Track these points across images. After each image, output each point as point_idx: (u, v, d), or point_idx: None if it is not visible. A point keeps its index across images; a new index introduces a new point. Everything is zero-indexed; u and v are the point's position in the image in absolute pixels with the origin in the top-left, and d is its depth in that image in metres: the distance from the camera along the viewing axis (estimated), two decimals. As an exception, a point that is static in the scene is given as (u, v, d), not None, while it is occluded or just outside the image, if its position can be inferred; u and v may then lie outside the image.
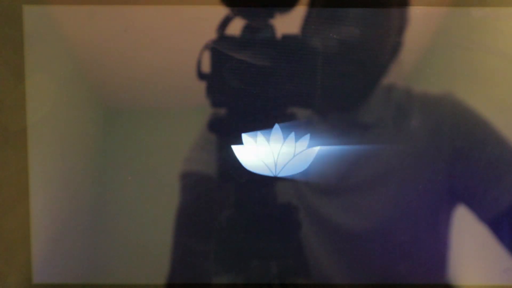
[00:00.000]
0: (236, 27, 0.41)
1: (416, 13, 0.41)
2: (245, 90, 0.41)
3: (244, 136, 0.42)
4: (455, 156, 0.42)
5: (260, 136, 0.42)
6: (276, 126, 0.41)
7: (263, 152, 0.42)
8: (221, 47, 0.41)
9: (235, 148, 0.42)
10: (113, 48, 0.42)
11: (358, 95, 0.44)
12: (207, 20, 0.41)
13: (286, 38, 0.41)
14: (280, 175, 0.42)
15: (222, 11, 0.41)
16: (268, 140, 0.42)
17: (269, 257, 0.43)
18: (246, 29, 0.41)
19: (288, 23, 0.41)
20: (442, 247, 0.44)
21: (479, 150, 0.42)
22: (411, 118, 0.42)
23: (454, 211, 0.44)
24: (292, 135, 0.42)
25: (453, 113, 0.42)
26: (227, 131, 0.42)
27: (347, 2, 0.41)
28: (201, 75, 0.41)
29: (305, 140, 0.42)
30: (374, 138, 0.43)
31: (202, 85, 0.41)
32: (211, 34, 0.41)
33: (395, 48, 0.42)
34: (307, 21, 0.41)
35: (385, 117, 0.43)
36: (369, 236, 0.43)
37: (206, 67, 0.41)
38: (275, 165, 0.42)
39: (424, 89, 0.42)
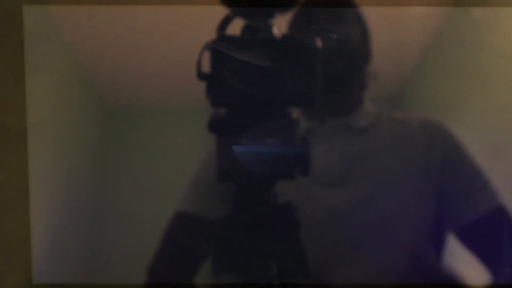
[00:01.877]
0: (236, 27, 0.41)
1: (416, 13, 0.41)
2: (245, 90, 0.41)
3: (244, 136, 0.42)
4: (434, 173, 0.43)
5: (260, 136, 0.41)
6: (276, 126, 0.41)
7: (263, 152, 0.42)
8: (221, 47, 0.41)
9: (235, 148, 0.42)
10: (113, 48, 0.42)
11: (358, 94, 0.44)
12: (207, 20, 0.41)
13: (286, 38, 0.41)
14: (280, 175, 0.42)
15: (222, 11, 0.41)
16: (268, 140, 0.41)
17: (269, 257, 0.43)
18: (246, 29, 0.41)
19: (288, 23, 0.41)
20: (442, 247, 0.44)
21: (454, 177, 0.44)
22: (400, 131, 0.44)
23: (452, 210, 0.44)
24: (292, 135, 0.41)
25: (438, 140, 0.43)
26: (227, 131, 0.42)
27: (347, 1, 0.41)
28: (201, 75, 0.41)
29: (305, 140, 0.42)
30: (371, 138, 0.43)
31: (202, 85, 0.41)
32: (211, 34, 0.41)
33: (395, 48, 0.42)
34: (307, 21, 0.41)
35: (378, 122, 0.43)
36: (369, 236, 0.43)
37: (206, 67, 0.41)
38: (275, 165, 0.42)
39: (417, 114, 0.44)
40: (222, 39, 0.41)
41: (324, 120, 0.43)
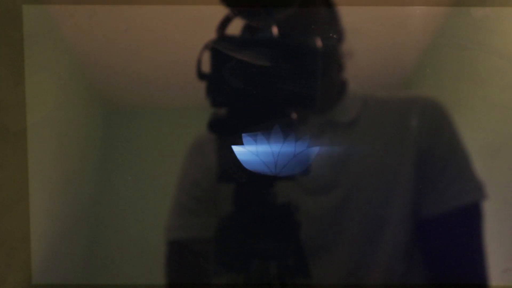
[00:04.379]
0: (236, 27, 0.41)
1: (416, 13, 0.41)
2: (245, 90, 0.41)
3: (244, 136, 0.42)
4: (421, 156, 0.43)
5: (260, 136, 0.41)
6: (276, 126, 0.41)
7: (263, 152, 0.42)
8: (221, 47, 0.41)
9: (235, 148, 0.42)
10: (113, 48, 0.42)
11: (358, 94, 0.44)
12: (207, 20, 0.41)
13: (286, 38, 0.41)
14: (280, 175, 0.42)
15: (222, 11, 0.41)
16: (268, 140, 0.41)
17: (269, 257, 0.43)
18: (246, 29, 0.41)
19: (288, 23, 0.41)
20: (442, 246, 0.44)
21: (441, 157, 0.43)
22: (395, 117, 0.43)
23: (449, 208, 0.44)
24: (292, 135, 0.42)
25: (430, 117, 0.43)
26: (227, 131, 0.42)
27: (346, 1, 0.41)
28: (201, 75, 0.41)
29: (305, 140, 0.42)
30: (359, 133, 0.43)
31: (202, 85, 0.41)
32: (211, 34, 0.41)
33: (395, 48, 0.42)
34: (307, 21, 0.41)
35: (364, 112, 0.43)
36: (369, 235, 0.43)
37: (206, 67, 0.41)
38: (275, 165, 0.42)
39: (409, 92, 0.43)
40: (222, 39, 0.41)
41: (327, 117, 0.43)
